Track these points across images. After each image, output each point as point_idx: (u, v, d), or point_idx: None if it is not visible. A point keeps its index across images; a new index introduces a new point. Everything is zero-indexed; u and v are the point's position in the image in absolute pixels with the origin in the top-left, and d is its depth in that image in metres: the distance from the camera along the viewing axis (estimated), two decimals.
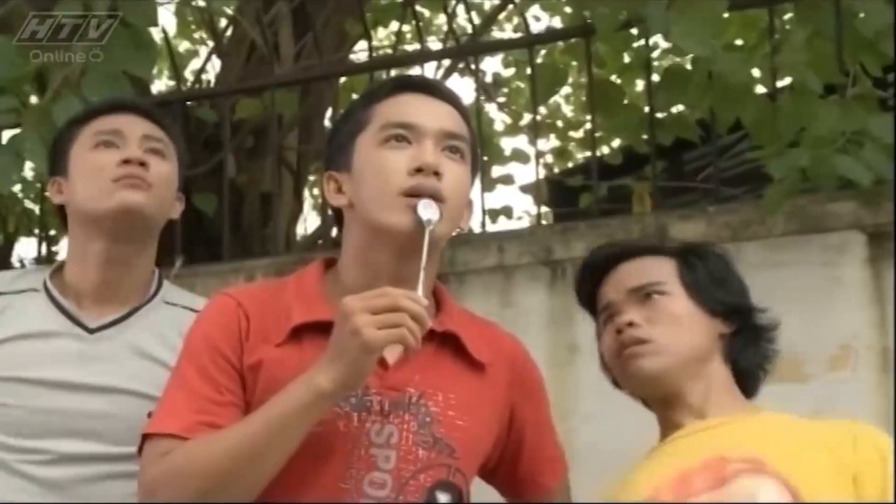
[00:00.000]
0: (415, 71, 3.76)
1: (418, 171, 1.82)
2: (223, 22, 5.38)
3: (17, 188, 5.56)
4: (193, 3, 5.88)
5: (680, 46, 3.00)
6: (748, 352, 1.99)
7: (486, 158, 5.26)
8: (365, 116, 1.90)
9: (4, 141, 3.11)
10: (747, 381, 2.00)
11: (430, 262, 1.80)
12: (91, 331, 2.17)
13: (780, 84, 3.39)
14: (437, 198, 1.80)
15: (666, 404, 1.93)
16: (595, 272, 2.04)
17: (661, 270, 1.98)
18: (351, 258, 1.90)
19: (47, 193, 2.33)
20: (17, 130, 3.12)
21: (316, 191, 6.53)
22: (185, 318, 2.14)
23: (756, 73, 3.61)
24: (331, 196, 1.93)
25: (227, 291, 1.96)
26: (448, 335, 1.89)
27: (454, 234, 1.93)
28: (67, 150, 2.26)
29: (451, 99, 1.94)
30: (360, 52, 5.58)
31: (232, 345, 1.83)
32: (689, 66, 3.34)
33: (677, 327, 1.92)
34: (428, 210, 1.79)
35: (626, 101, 3.90)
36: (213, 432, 1.76)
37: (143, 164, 2.18)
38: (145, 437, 1.81)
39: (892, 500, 1.73)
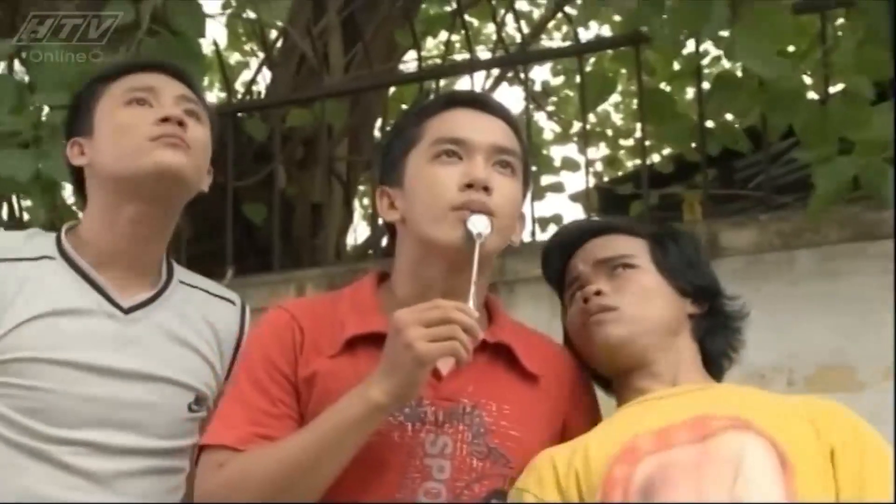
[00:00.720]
0: (464, 80, 3.78)
1: (468, 186, 1.83)
2: (273, 34, 5.42)
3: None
4: (244, 16, 5.93)
5: (747, 67, 2.95)
6: (716, 335, 1.96)
7: (535, 168, 5.25)
8: (417, 132, 1.92)
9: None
10: (713, 365, 1.96)
11: (481, 275, 1.81)
12: (126, 311, 1.99)
13: (831, 90, 3.37)
14: (486, 213, 1.81)
15: (633, 374, 1.89)
16: (565, 246, 2.01)
17: (633, 246, 1.96)
18: (403, 272, 1.91)
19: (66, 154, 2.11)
20: None
21: (366, 201, 6.56)
22: (205, 301, 2.10)
23: (807, 79, 3.59)
24: (384, 211, 1.94)
25: (283, 304, 1.96)
26: (500, 346, 1.90)
27: (505, 247, 1.93)
28: (92, 108, 2.06)
29: (502, 114, 1.95)
30: (409, 62, 5.60)
31: (286, 357, 1.84)
32: (739, 73, 3.32)
33: (645, 299, 1.90)
34: (478, 224, 1.81)
35: (676, 109, 3.88)
36: (268, 444, 1.77)
37: (181, 123, 2.00)
38: (201, 449, 1.83)
39: (867, 479, 1.70)
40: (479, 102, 1.96)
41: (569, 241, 2.01)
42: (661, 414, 1.79)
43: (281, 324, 1.88)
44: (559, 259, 2.01)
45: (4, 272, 1.96)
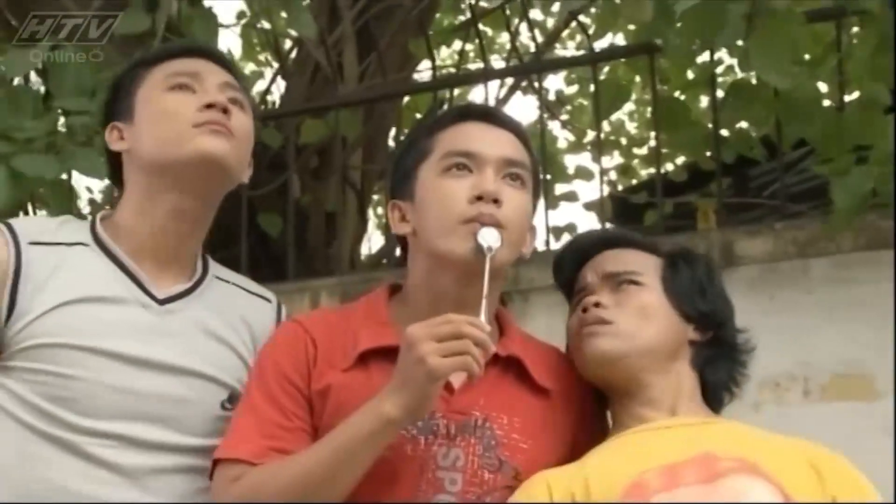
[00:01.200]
0: (478, 89, 3.78)
1: (478, 199, 1.83)
2: (288, 43, 5.43)
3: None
4: (259, 26, 5.94)
5: (762, 77, 2.94)
6: (717, 365, 1.91)
7: (548, 176, 5.25)
8: (427, 145, 1.93)
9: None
10: (711, 396, 1.90)
11: (492, 288, 1.81)
12: (160, 302, 1.93)
13: (846, 98, 3.36)
14: (496, 225, 1.82)
15: (630, 396, 1.84)
16: (578, 255, 1.98)
17: (643, 264, 1.92)
18: (415, 285, 1.92)
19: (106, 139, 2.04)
20: None
21: (380, 210, 6.56)
22: (239, 297, 2.07)
23: (823, 87, 3.58)
24: (395, 224, 1.95)
25: (296, 318, 1.96)
26: (512, 359, 1.90)
27: (515, 259, 1.94)
28: (133, 93, 1.99)
29: (512, 126, 1.96)
30: (423, 72, 5.61)
31: (300, 371, 1.84)
32: (754, 81, 3.32)
33: (644, 318, 1.85)
34: (489, 237, 1.82)
35: (690, 118, 3.88)
36: (282, 458, 1.78)
37: (226, 111, 1.94)
38: (216, 462, 1.82)
39: None
40: (490, 115, 1.97)
41: (582, 250, 1.99)
42: (665, 447, 1.75)
43: (293, 337, 1.88)
44: (571, 267, 1.98)
45: (38, 255, 1.90)
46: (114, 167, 2.03)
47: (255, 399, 1.84)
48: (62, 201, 3.10)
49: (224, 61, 2.05)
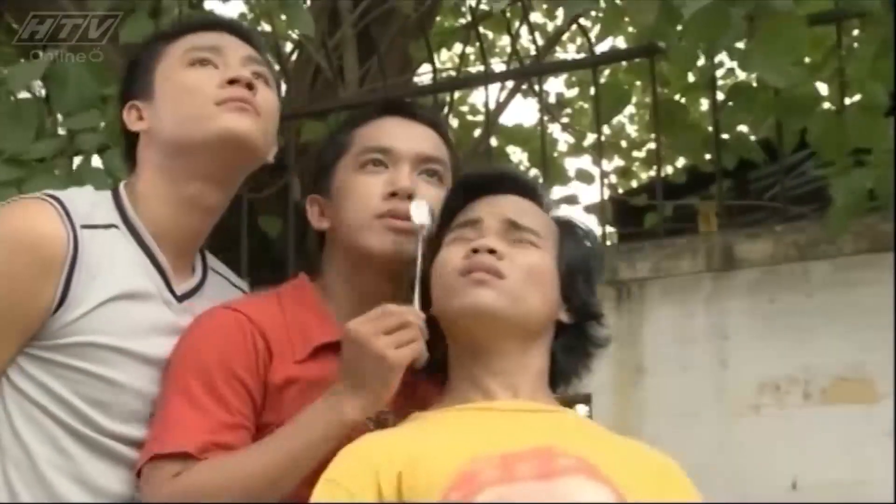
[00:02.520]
0: (479, 92, 3.78)
1: (392, 195, 1.84)
2: (289, 46, 5.43)
3: None
4: (259, 29, 5.95)
5: (764, 79, 2.94)
6: (575, 353, 1.80)
7: (542, 180, 5.24)
8: (346, 141, 1.93)
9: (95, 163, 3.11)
10: (556, 383, 1.80)
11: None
12: (179, 298, 1.85)
13: (847, 101, 3.36)
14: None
15: (480, 361, 1.71)
16: (479, 186, 1.81)
17: (545, 226, 1.79)
18: (337, 281, 1.91)
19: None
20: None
21: None
22: (228, 290, 1.98)
23: (823, 90, 3.58)
24: (314, 219, 1.95)
25: (231, 306, 1.86)
26: None
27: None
28: (151, 70, 1.88)
29: (430, 122, 1.96)
30: (424, 75, 5.61)
31: (248, 366, 1.78)
32: (754, 84, 3.32)
33: (532, 283, 1.71)
34: (420, 213, 1.80)
35: (690, 121, 3.88)
36: (225, 454, 1.73)
37: (250, 86, 1.83)
38: (152, 457, 1.73)
39: None
40: (407, 110, 1.96)
41: (488, 182, 1.82)
42: (503, 433, 1.63)
43: (238, 329, 1.81)
44: (464, 196, 1.82)
45: (87, 240, 1.77)
46: (130, 148, 1.92)
47: (194, 391, 1.76)
48: None
49: (246, 34, 1.95)
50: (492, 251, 1.70)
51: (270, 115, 1.89)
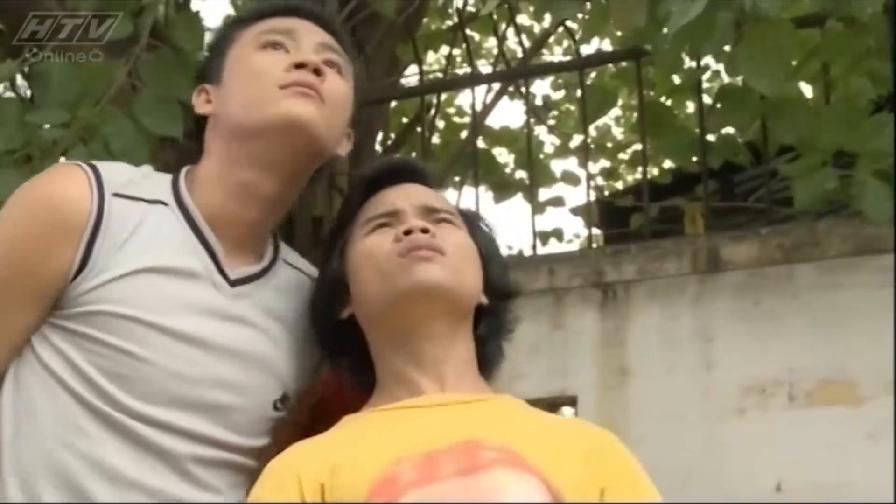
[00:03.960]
0: (465, 94, 3.78)
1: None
2: None
3: None
4: None
5: (752, 86, 2.95)
6: (497, 337, 1.75)
7: (529, 181, 5.25)
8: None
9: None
10: (485, 368, 1.72)
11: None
12: (232, 283, 1.75)
13: (830, 101, 3.38)
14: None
15: (403, 350, 1.64)
16: (380, 180, 1.75)
17: (453, 209, 1.75)
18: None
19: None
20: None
21: None
22: (306, 287, 1.88)
23: (808, 93, 3.60)
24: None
25: None
26: None
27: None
28: (224, 52, 1.83)
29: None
30: (410, 77, 5.61)
31: None
32: (741, 86, 3.34)
33: (469, 260, 1.66)
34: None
35: (676, 123, 3.90)
36: None
37: (318, 72, 1.75)
38: None
39: None
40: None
41: (389, 173, 1.77)
42: (427, 431, 1.55)
43: None
44: (365, 192, 1.76)
45: (120, 209, 1.71)
46: (199, 132, 1.84)
47: None
48: None
49: (326, 21, 1.87)
50: (425, 230, 1.63)
51: (339, 105, 1.80)
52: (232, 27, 1.87)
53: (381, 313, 1.65)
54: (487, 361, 1.72)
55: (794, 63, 3.35)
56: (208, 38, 2.81)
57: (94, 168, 1.73)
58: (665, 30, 2.92)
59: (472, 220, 1.76)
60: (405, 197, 1.71)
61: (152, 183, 1.77)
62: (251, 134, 1.75)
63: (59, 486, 1.65)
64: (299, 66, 1.74)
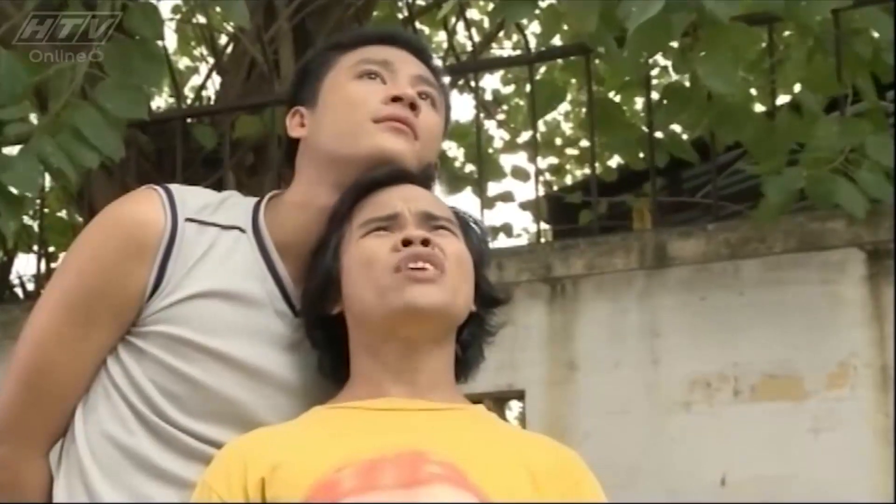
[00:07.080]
0: None
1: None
2: (223, 39, 5.40)
3: None
4: (194, 21, 5.90)
5: (708, 86, 2.96)
6: (480, 343, 1.71)
7: (478, 176, 5.26)
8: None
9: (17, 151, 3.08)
10: (461, 375, 1.70)
11: None
12: (297, 312, 1.75)
13: (779, 102, 3.41)
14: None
15: (383, 355, 1.61)
16: (377, 183, 1.71)
17: (451, 214, 1.72)
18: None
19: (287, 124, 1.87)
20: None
21: None
22: None
23: (754, 91, 3.63)
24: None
25: None
26: None
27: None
28: (321, 78, 1.83)
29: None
30: None
31: None
32: (687, 84, 3.36)
33: (465, 274, 1.63)
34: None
35: (625, 119, 3.91)
36: None
37: (414, 106, 1.76)
38: None
39: None
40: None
41: (390, 176, 1.72)
42: (377, 436, 1.53)
43: None
44: (357, 195, 1.72)
45: (192, 233, 1.73)
46: (291, 154, 1.86)
47: None
48: (7, 207, 3.01)
49: (423, 52, 1.87)
50: (425, 242, 1.59)
51: (430, 140, 1.81)
52: (329, 51, 1.86)
53: (370, 323, 1.62)
54: (468, 365, 1.71)
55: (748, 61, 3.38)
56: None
57: (167, 191, 1.75)
58: (618, 33, 2.93)
59: (466, 225, 1.73)
60: (405, 201, 1.67)
61: (231, 208, 1.79)
62: (340, 163, 1.75)
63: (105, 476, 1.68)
64: (396, 99, 1.75)
